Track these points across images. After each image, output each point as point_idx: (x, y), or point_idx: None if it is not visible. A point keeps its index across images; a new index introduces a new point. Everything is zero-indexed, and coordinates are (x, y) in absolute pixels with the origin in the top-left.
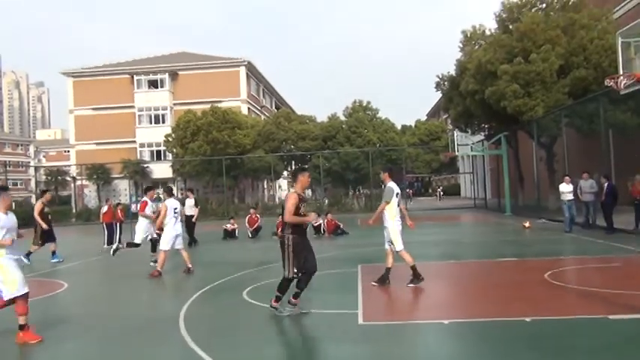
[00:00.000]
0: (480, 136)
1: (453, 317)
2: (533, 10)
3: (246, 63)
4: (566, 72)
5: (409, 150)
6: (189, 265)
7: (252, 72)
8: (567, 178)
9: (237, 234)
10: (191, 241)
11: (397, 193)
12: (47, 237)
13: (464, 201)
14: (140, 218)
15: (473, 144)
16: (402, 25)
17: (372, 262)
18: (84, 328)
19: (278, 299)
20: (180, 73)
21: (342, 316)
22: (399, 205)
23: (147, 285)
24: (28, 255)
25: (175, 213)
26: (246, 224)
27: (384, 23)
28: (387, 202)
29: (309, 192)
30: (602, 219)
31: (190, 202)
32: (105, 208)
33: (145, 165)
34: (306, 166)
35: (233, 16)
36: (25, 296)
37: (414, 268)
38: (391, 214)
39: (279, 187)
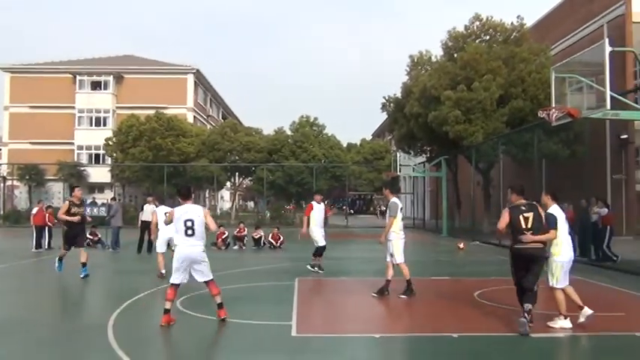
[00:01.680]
0: (422, 158)
1: (385, 331)
2: (477, 41)
3: (194, 71)
4: (505, 102)
5: (353, 167)
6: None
7: (201, 80)
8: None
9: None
10: (150, 247)
11: (401, 208)
12: (71, 240)
13: (403, 220)
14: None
15: (415, 165)
16: (354, 43)
17: (309, 276)
18: (1, 335)
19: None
20: (125, 76)
21: (276, 327)
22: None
23: (77, 290)
24: (60, 260)
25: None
26: None
27: (335, 41)
28: (394, 217)
29: (251, 204)
30: None
31: (150, 208)
32: (35, 210)
33: (82, 168)
34: (250, 178)
35: (184, 24)
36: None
37: (409, 282)
38: (395, 227)
39: (222, 197)
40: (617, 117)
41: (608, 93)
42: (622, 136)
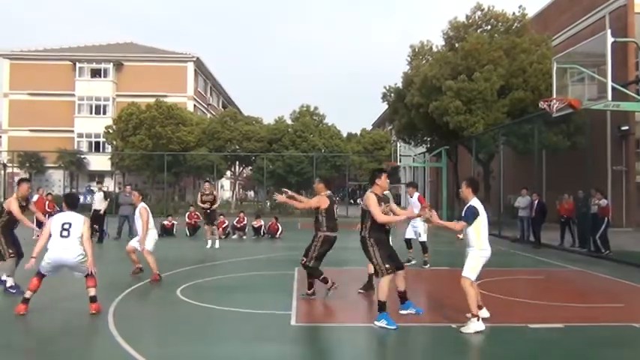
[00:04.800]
0: (422, 149)
1: None
2: (478, 31)
3: (194, 59)
4: (505, 92)
5: (353, 157)
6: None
7: (201, 69)
8: None
9: (175, 231)
10: (101, 235)
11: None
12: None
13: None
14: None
15: (415, 155)
16: (355, 31)
17: None
18: (4, 323)
19: None
20: (125, 63)
21: (275, 316)
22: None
23: (76, 279)
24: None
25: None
26: (187, 221)
27: (337, 29)
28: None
29: (251, 193)
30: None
31: (100, 195)
32: (35, 197)
33: (82, 156)
34: (251, 168)
35: (185, 11)
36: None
37: (371, 276)
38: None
39: (222, 186)
40: (618, 108)
41: (610, 84)
42: (623, 128)
